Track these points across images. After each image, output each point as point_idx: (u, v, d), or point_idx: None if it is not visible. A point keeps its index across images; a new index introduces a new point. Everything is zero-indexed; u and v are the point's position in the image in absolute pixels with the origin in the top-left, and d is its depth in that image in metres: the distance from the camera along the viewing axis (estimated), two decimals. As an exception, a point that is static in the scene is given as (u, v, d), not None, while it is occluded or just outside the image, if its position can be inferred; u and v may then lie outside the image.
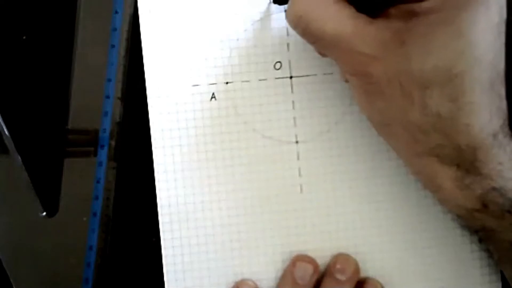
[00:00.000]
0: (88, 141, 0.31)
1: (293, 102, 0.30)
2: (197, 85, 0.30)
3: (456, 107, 0.23)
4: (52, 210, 0.31)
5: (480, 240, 0.29)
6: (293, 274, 0.29)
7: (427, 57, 0.22)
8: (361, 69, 0.24)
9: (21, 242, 0.31)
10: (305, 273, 0.29)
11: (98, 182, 0.31)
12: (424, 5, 0.22)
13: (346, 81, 0.26)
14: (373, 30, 0.23)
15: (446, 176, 0.24)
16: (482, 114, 0.23)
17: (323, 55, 0.27)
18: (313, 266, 0.29)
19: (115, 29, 0.31)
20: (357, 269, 0.29)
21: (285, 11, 0.30)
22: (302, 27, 0.24)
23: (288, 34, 0.30)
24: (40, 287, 0.31)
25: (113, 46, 0.31)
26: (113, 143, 0.31)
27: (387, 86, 0.23)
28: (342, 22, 0.23)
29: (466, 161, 0.23)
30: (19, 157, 0.31)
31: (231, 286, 0.30)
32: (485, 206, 0.24)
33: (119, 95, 0.31)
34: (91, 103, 0.31)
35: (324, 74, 0.30)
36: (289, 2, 0.25)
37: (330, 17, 0.23)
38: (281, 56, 0.30)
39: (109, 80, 0.31)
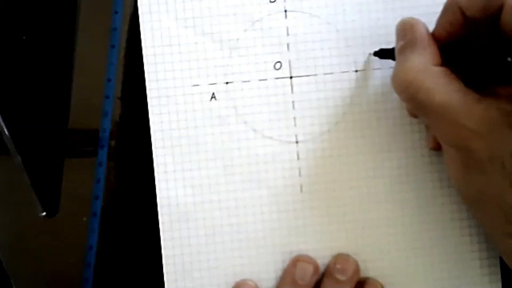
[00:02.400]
0: (88, 141, 0.31)
1: (293, 102, 0.30)
2: (197, 85, 0.30)
3: None
4: (52, 210, 0.31)
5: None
6: (293, 274, 0.29)
7: None
8: (463, 143, 0.24)
9: (21, 242, 0.31)
10: (305, 273, 0.29)
11: (98, 182, 0.31)
12: None
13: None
14: (482, 108, 0.23)
15: None
16: None
17: (414, 115, 0.28)
18: (313, 266, 0.29)
19: (115, 29, 0.31)
20: (357, 269, 0.29)
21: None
22: (410, 93, 0.25)
23: (288, 34, 0.30)
24: (40, 287, 0.31)
25: (113, 46, 0.31)
26: (113, 143, 0.31)
27: (487, 164, 0.23)
28: (451, 95, 0.24)
29: None
30: (19, 157, 0.31)
31: (231, 286, 0.30)
32: None
33: (119, 95, 0.31)
34: (91, 103, 0.31)
35: (324, 74, 0.30)
36: (398, 67, 0.26)
37: (439, 89, 0.24)
38: (281, 56, 0.30)
39: (109, 80, 0.31)
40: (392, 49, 0.27)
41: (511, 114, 0.23)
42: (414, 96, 0.25)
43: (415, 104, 0.25)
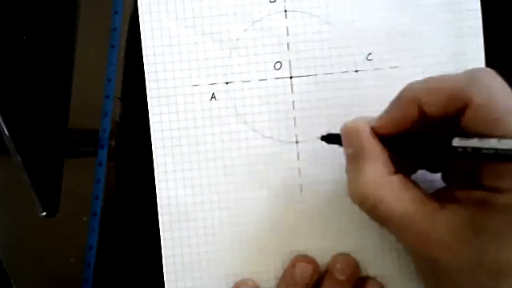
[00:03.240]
0: (88, 141, 0.31)
1: (293, 102, 0.30)
2: (197, 85, 0.30)
3: None
4: (52, 210, 0.31)
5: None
6: (293, 274, 0.29)
7: (501, 251, 0.22)
8: (430, 255, 0.23)
9: (21, 242, 0.31)
10: (305, 273, 0.29)
11: (98, 182, 0.31)
12: (500, 200, 0.22)
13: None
14: (444, 216, 0.23)
15: None
16: None
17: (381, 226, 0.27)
18: (313, 266, 0.29)
19: (115, 29, 0.31)
20: (357, 269, 0.29)
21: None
22: (369, 206, 0.24)
23: (288, 34, 0.30)
24: (40, 287, 0.31)
25: (113, 46, 0.31)
26: (113, 143, 0.31)
27: (457, 274, 0.22)
28: (411, 205, 0.23)
29: None
30: (19, 157, 0.31)
31: (231, 286, 0.30)
32: None
33: (119, 95, 0.31)
34: (91, 103, 0.31)
35: (324, 74, 0.30)
36: (352, 179, 0.24)
37: (398, 200, 0.23)
38: (281, 56, 0.30)
39: (109, 80, 0.31)
40: (339, 136, 0.26)
41: (475, 221, 0.22)
42: (374, 208, 0.24)
43: (376, 216, 0.24)
